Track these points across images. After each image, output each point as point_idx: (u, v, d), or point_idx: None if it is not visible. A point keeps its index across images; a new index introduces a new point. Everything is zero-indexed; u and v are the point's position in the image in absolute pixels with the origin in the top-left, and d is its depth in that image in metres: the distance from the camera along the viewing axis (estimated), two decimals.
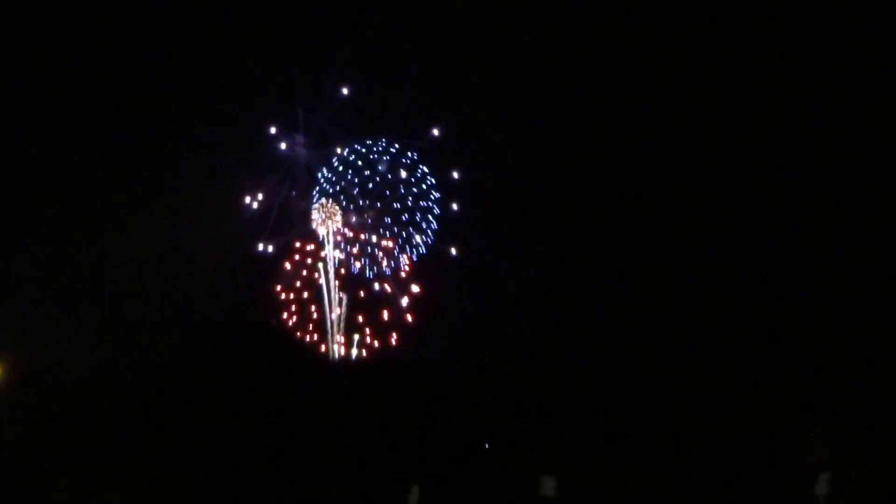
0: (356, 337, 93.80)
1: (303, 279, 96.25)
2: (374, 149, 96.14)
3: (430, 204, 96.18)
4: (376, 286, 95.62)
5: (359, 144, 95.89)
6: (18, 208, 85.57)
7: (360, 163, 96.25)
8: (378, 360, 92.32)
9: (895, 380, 61.85)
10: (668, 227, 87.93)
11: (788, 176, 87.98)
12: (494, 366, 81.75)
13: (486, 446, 70.51)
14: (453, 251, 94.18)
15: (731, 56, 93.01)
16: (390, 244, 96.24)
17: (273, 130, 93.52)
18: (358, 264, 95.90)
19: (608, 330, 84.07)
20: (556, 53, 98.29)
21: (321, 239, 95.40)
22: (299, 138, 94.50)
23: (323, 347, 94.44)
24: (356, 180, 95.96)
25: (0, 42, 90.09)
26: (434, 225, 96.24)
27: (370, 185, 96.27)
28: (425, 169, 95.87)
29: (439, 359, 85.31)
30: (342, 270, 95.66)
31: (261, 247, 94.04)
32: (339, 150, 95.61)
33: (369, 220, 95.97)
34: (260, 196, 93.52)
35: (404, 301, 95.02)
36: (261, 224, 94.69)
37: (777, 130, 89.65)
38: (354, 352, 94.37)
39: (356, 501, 61.96)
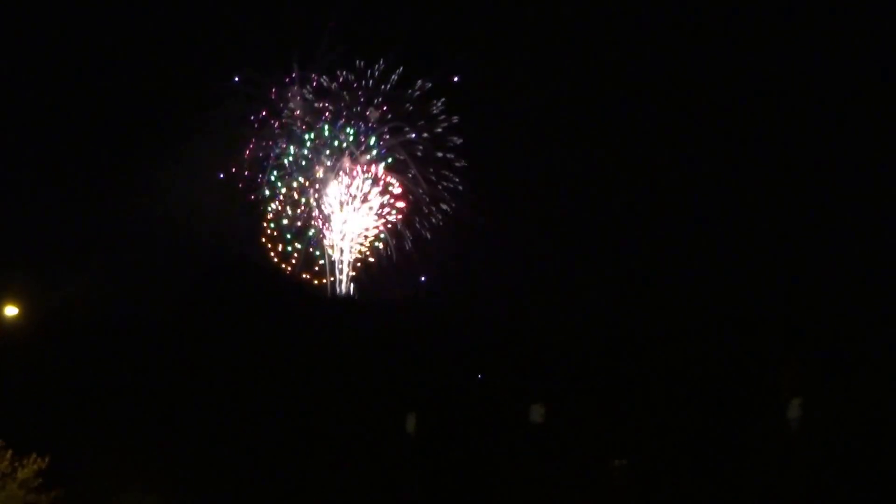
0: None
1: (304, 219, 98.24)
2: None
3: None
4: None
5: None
6: (34, 157, 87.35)
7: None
8: (375, 297, 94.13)
9: (864, 309, 63.18)
10: (650, 169, 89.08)
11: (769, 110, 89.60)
12: (486, 301, 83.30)
13: (479, 377, 72.56)
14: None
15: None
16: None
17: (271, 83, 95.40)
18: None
19: (592, 266, 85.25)
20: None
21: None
22: (295, 90, 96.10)
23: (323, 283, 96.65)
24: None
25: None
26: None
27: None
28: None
29: (434, 296, 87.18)
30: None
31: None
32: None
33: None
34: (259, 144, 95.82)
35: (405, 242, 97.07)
36: (260, 171, 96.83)
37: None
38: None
39: (357, 429, 64.06)
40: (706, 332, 66.21)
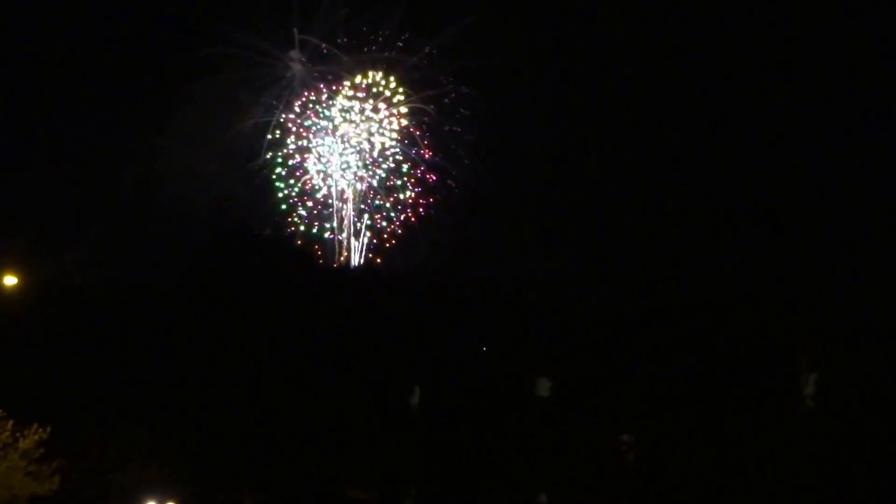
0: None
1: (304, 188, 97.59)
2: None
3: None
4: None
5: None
6: (32, 126, 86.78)
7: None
8: (379, 268, 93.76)
9: (876, 287, 63.06)
10: (660, 147, 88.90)
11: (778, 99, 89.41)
12: (492, 274, 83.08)
13: (483, 350, 72.35)
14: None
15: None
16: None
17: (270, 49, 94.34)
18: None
19: (602, 238, 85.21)
20: None
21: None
22: (295, 55, 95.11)
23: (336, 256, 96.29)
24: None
25: None
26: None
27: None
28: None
29: (439, 268, 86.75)
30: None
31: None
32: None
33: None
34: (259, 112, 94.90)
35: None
36: (260, 138, 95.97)
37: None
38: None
39: (362, 401, 63.76)
40: (716, 306, 65.67)
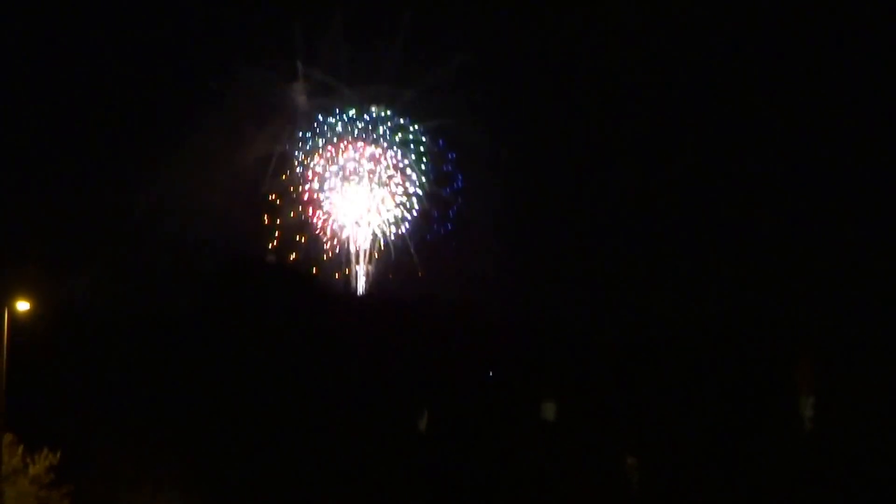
0: None
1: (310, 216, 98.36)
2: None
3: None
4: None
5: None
6: (42, 154, 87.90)
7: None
8: (386, 294, 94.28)
9: (874, 310, 63.22)
10: (662, 174, 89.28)
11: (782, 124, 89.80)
12: (498, 299, 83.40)
13: (490, 374, 72.62)
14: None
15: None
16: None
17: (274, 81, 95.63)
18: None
19: (606, 267, 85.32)
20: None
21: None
22: (299, 87, 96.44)
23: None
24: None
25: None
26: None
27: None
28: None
29: (446, 293, 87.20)
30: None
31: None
32: None
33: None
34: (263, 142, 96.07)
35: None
36: (264, 167, 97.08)
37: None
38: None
39: (369, 428, 64.04)
40: (719, 330, 66.07)
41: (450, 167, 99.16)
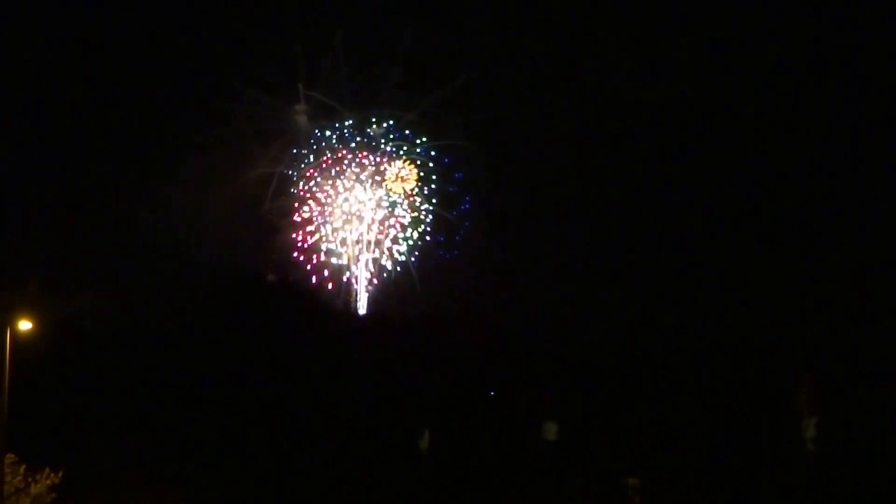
0: None
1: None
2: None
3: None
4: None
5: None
6: (44, 173, 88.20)
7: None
8: (386, 313, 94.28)
9: (877, 331, 63.23)
10: (667, 194, 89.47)
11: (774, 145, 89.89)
12: (499, 318, 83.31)
13: (492, 394, 72.62)
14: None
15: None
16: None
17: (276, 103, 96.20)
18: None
19: (609, 287, 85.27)
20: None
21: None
22: (301, 109, 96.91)
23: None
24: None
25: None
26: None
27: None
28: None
29: (446, 312, 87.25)
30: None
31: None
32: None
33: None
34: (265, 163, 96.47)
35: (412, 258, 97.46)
36: (265, 187, 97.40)
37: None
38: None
39: (371, 445, 63.96)
40: (721, 351, 66.20)
41: (455, 188, 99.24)
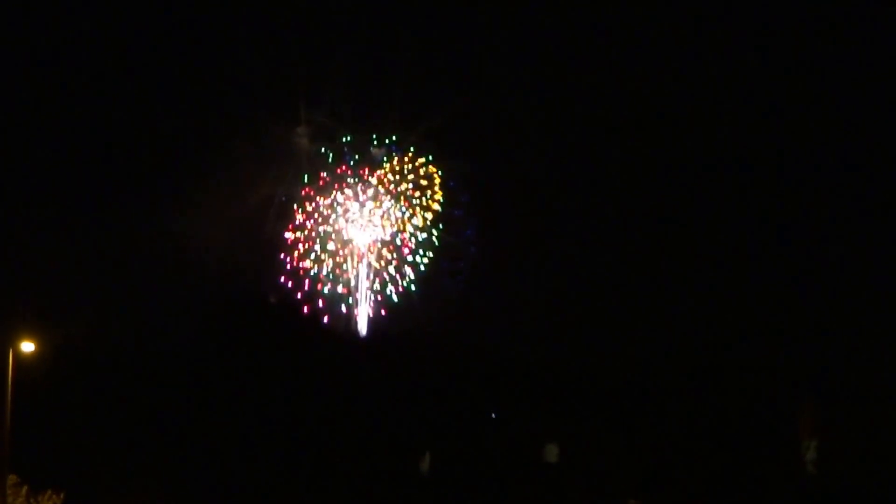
0: None
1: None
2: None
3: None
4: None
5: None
6: (50, 196, 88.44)
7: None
8: (387, 335, 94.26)
9: (876, 356, 63.41)
10: (666, 213, 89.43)
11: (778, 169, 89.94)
12: (500, 340, 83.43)
13: (493, 416, 72.69)
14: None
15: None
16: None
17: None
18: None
19: (611, 310, 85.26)
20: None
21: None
22: (302, 131, 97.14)
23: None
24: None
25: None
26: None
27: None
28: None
29: (447, 334, 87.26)
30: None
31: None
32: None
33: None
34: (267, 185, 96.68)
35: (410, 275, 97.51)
36: (267, 209, 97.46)
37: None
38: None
39: (372, 468, 63.96)
40: (722, 374, 66.28)
41: (461, 212, 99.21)
